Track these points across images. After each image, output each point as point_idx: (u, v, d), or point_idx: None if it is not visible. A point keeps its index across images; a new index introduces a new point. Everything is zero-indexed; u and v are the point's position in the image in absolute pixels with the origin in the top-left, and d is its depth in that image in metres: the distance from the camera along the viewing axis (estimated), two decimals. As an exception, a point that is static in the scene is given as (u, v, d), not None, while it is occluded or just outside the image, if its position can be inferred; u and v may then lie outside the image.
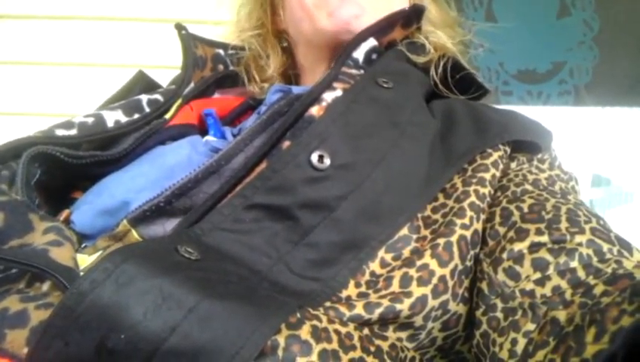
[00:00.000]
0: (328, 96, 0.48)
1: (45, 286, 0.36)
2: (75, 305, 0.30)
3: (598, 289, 0.32)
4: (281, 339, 0.32)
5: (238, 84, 0.66)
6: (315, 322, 0.35)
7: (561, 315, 0.32)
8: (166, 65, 0.93)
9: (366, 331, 0.38)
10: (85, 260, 0.42)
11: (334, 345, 0.34)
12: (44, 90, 1.15)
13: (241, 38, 0.66)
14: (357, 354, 0.35)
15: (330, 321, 0.36)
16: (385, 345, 0.38)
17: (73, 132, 0.50)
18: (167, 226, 0.44)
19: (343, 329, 0.36)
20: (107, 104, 0.61)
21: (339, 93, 0.48)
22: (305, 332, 0.34)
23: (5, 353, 0.31)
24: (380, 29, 0.55)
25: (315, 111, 0.46)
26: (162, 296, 0.30)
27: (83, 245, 0.45)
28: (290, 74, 0.67)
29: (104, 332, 0.29)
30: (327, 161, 0.42)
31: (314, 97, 0.47)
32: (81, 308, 0.30)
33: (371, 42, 0.54)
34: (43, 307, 0.33)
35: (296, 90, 0.56)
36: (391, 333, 0.40)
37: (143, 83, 0.65)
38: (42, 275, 0.36)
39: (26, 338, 0.32)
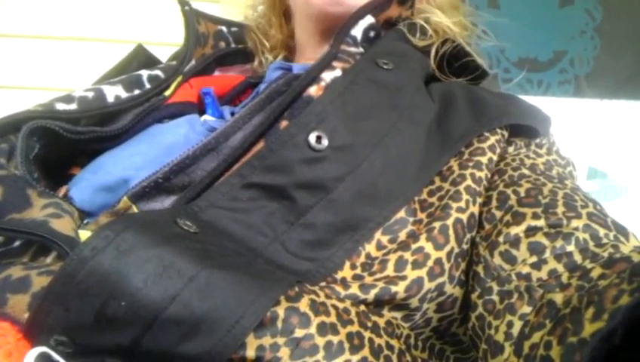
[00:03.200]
0: (327, 76, 0.47)
1: (49, 259, 0.36)
2: (76, 271, 0.30)
3: (595, 273, 0.33)
4: (280, 311, 0.33)
5: (238, 61, 0.66)
6: (313, 296, 0.35)
7: (558, 297, 0.32)
8: (166, 42, 0.92)
9: (362, 307, 0.38)
10: (87, 236, 0.42)
11: (333, 319, 0.35)
12: (43, 64, 1.14)
13: (247, 11, 0.66)
14: (355, 328, 0.36)
15: (328, 296, 0.37)
16: (381, 322, 0.39)
17: (73, 106, 0.50)
18: (165, 203, 0.44)
19: (341, 305, 0.37)
20: (105, 78, 0.61)
21: (338, 72, 0.48)
22: (304, 305, 0.34)
23: (7, 317, 0.31)
24: (377, 5, 0.55)
25: (313, 91, 0.46)
26: (163, 265, 0.31)
27: (85, 221, 0.45)
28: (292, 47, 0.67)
29: (104, 299, 0.30)
30: (325, 142, 0.42)
31: (313, 76, 0.47)
32: (81, 275, 0.30)
33: (369, 19, 0.54)
34: (45, 274, 0.33)
35: (296, 68, 0.56)
36: (386, 312, 0.40)
37: (142, 57, 0.65)
38: (46, 246, 0.36)
39: (28, 303, 0.32)
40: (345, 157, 0.42)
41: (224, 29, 0.65)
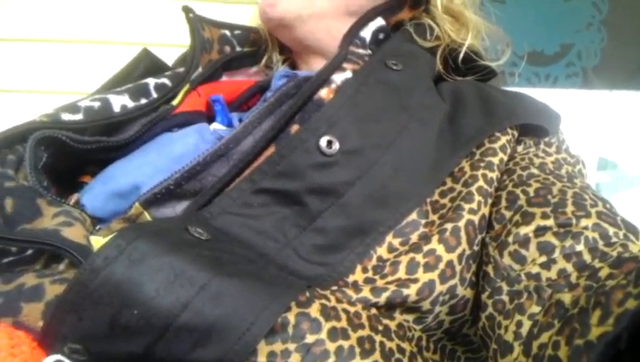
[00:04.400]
0: (338, 78, 0.48)
1: (62, 266, 0.37)
2: (89, 280, 0.30)
3: (604, 273, 0.32)
4: (291, 317, 0.33)
5: (244, 65, 0.66)
6: (324, 301, 0.36)
7: (566, 298, 0.32)
8: (172, 44, 0.92)
9: (373, 311, 0.38)
10: (100, 242, 0.43)
11: (343, 323, 0.35)
12: (48, 68, 1.14)
13: None
14: (365, 332, 0.36)
15: (339, 301, 0.37)
16: (392, 325, 0.39)
17: (79, 116, 0.50)
18: (177, 209, 0.45)
19: (352, 309, 0.37)
20: (111, 82, 0.61)
21: (348, 74, 0.48)
22: (314, 311, 0.34)
23: (21, 325, 0.32)
24: (388, 7, 0.55)
25: (324, 93, 0.46)
26: (174, 273, 0.31)
27: (97, 227, 0.46)
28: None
29: (117, 307, 0.30)
30: (335, 146, 0.42)
31: (323, 79, 0.47)
32: (94, 284, 0.30)
33: (379, 22, 0.54)
34: (59, 282, 0.34)
35: (301, 74, 0.56)
36: (398, 315, 0.40)
37: (148, 61, 0.64)
38: (58, 254, 0.36)
39: (42, 311, 0.32)
40: (356, 161, 0.42)
41: (227, 32, 0.65)
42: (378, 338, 0.36)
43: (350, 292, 0.39)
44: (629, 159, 1.43)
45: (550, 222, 0.39)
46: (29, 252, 0.38)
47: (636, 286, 0.27)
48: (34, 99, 1.09)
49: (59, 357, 0.30)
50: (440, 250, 0.41)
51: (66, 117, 0.49)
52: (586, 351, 0.27)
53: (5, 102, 1.12)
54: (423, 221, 0.43)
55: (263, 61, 0.66)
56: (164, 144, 0.51)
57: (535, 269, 0.37)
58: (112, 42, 1.14)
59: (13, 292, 0.33)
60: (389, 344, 0.37)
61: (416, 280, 0.39)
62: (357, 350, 0.34)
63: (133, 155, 0.51)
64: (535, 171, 0.46)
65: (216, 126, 0.54)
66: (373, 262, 0.41)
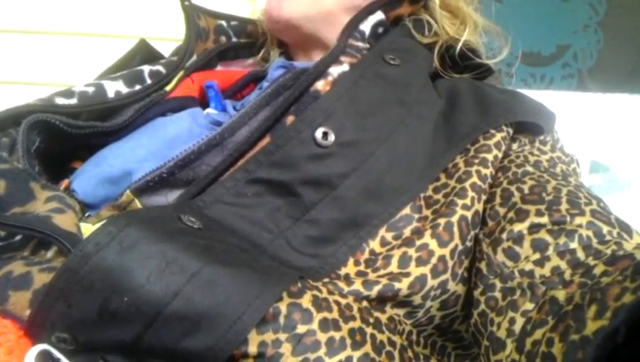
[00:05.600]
0: (335, 71, 0.47)
1: (50, 254, 0.36)
2: (79, 267, 0.30)
3: (598, 270, 0.32)
4: (282, 307, 0.33)
5: (240, 56, 0.66)
6: (315, 292, 0.35)
7: (561, 294, 0.32)
8: (168, 38, 0.92)
9: (365, 303, 0.38)
10: (89, 229, 0.42)
11: (335, 315, 0.35)
12: (45, 60, 1.13)
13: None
14: (357, 324, 0.36)
15: (330, 292, 0.37)
16: (383, 318, 0.39)
17: (73, 101, 0.49)
18: (169, 197, 0.44)
19: (343, 301, 0.37)
20: (108, 72, 0.61)
21: (345, 67, 0.48)
22: (306, 301, 0.34)
23: (8, 314, 0.31)
24: (388, 2, 0.55)
25: (320, 85, 0.46)
26: (166, 261, 0.31)
27: (87, 214, 0.45)
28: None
29: (107, 294, 0.30)
30: (331, 138, 0.42)
31: (320, 71, 0.47)
32: (84, 270, 0.30)
33: (379, 15, 0.54)
34: (47, 270, 0.33)
35: (298, 65, 0.55)
36: (389, 309, 0.40)
37: (145, 52, 0.64)
38: (46, 241, 0.36)
39: (29, 300, 0.32)
40: (351, 154, 0.42)
41: (224, 23, 0.65)
42: (369, 330, 0.36)
43: (342, 284, 0.38)
44: (621, 162, 1.44)
45: (544, 220, 0.39)
46: (18, 238, 0.37)
47: (633, 282, 0.27)
48: (31, 91, 1.08)
49: (45, 346, 0.30)
50: (433, 244, 0.41)
51: (60, 101, 0.49)
52: (582, 346, 0.27)
53: (2, 94, 1.11)
54: (417, 216, 0.43)
55: (260, 54, 0.66)
56: (158, 127, 0.51)
57: (529, 266, 0.37)
58: (111, 35, 1.13)
59: (1, 280, 0.33)
60: (379, 336, 0.37)
61: (408, 274, 0.39)
62: (348, 341, 0.34)
63: (127, 138, 0.51)
64: (530, 169, 0.46)
65: (209, 111, 0.54)
66: (366, 255, 0.41)
